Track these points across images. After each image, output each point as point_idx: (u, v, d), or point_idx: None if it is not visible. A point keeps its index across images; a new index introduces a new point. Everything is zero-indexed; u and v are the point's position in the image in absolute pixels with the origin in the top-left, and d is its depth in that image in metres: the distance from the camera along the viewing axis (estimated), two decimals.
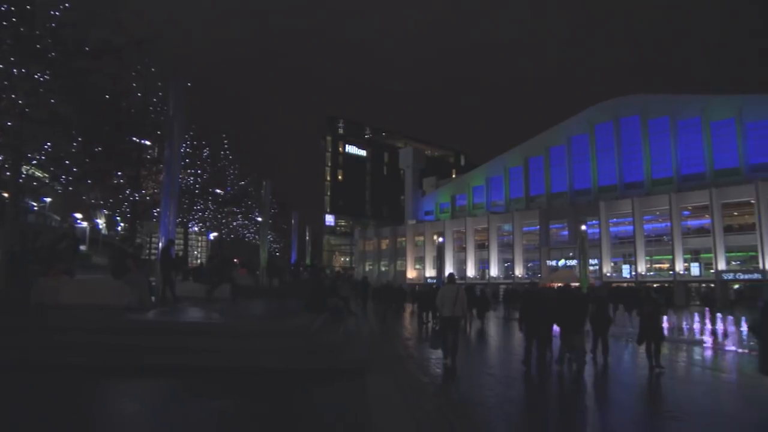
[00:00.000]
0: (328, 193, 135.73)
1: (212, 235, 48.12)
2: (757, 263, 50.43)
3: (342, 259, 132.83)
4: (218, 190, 40.30)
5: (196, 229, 46.53)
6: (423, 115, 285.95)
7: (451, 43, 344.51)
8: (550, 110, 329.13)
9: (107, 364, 8.76)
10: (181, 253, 25.18)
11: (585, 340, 13.47)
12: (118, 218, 36.77)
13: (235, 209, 43.72)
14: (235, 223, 45.83)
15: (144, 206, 30.24)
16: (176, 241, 18.26)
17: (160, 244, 14.84)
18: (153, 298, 13.55)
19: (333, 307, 15.62)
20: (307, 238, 51.81)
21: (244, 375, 8.90)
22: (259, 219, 39.04)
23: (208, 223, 42.60)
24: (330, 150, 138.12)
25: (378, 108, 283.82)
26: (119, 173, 25.07)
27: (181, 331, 10.64)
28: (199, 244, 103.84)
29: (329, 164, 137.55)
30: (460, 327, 12.39)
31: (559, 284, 32.86)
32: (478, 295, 28.17)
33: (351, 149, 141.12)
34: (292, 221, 40.08)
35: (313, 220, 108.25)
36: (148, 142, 27.96)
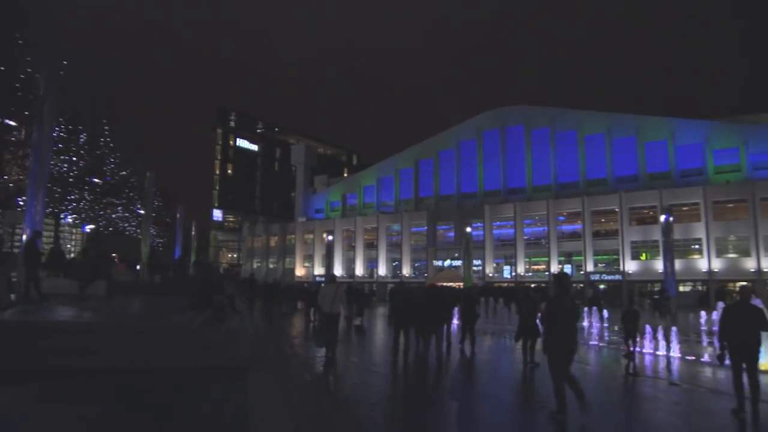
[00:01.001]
0: (217, 187, 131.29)
1: (88, 228, 44.98)
2: (619, 265, 55.22)
3: (229, 256, 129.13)
4: (96, 179, 37.78)
5: (69, 220, 43.26)
6: (317, 113, 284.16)
7: (349, 42, 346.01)
8: (441, 116, 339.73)
9: None
10: (53, 246, 23.18)
11: (450, 333, 15.27)
12: None
13: (114, 200, 41.20)
14: (114, 216, 43.10)
15: (6, 194, 27.67)
16: (45, 233, 16.78)
17: (25, 236, 13.58)
18: (12, 296, 12.35)
19: (217, 305, 15.10)
20: (193, 233, 49.90)
21: (117, 376, 8.34)
22: (141, 211, 37.10)
23: (83, 215, 39.75)
24: (220, 143, 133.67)
25: (271, 102, 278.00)
26: None
27: (46, 331, 9.75)
28: (73, 237, 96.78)
29: (219, 157, 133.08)
30: (338, 322, 13.22)
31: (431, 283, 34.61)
32: (364, 294, 28.85)
33: (242, 143, 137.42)
34: (177, 215, 38.46)
35: (199, 214, 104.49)
36: (12, 123, 25.55)
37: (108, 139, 38.82)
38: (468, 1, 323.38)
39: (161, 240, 55.80)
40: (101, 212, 40.62)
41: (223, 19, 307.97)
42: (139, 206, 41.21)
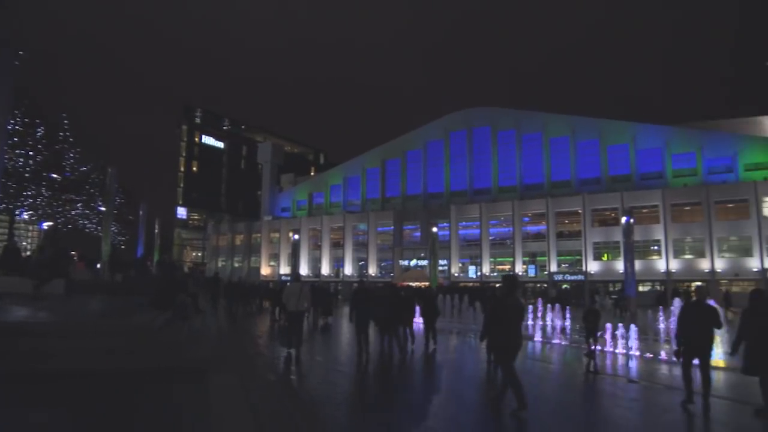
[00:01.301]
0: (182, 185, 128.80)
1: (45, 225, 43.74)
2: (582, 266, 56.31)
3: (193, 254, 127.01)
4: (54, 175, 36.74)
5: (25, 216, 41.98)
6: (284, 111, 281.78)
7: (319, 41, 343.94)
8: (409, 115, 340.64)
9: None
10: (7, 243, 22.36)
11: (413, 332, 15.80)
12: None
13: (74, 197, 40.10)
14: (73, 212, 41.94)
15: None
16: None
17: None
18: None
19: (179, 305, 14.87)
20: (156, 231, 49.02)
21: (76, 379, 8.13)
22: (102, 208, 36.26)
23: (40, 211, 38.59)
24: (185, 140, 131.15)
25: (238, 100, 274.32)
26: None
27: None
28: (30, 234, 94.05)
29: (184, 154, 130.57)
30: (303, 321, 13.62)
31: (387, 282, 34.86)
32: (329, 293, 29.16)
33: (208, 140, 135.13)
34: (140, 212, 37.69)
35: (163, 212, 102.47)
36: None
37: (68, 134, 37.79)
38: (439, 2, 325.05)
39: (123, 238, 54.56)
40: (59, 209, 39.49)
41: (188, 15, 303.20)
42: (100, 203, 40.22)
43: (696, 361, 8.76)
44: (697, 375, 8.76)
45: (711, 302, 9.58)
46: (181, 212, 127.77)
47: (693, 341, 8.74)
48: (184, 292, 16.24)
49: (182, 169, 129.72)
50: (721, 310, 11.30)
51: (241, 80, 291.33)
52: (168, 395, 7.86)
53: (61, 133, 37.27)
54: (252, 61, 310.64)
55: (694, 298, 9.55)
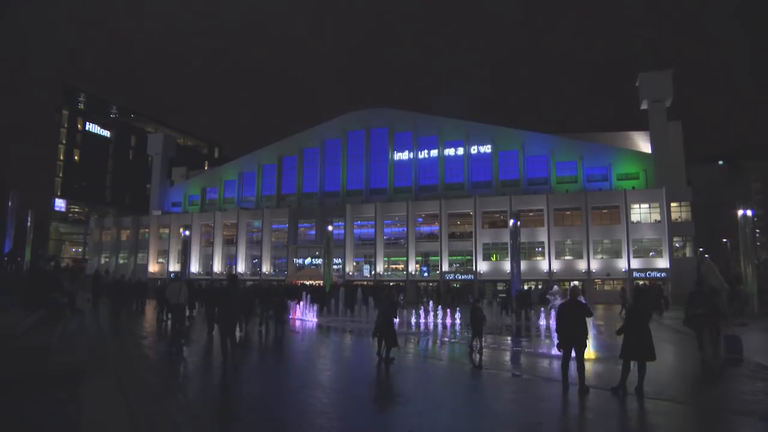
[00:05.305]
0: (61, 175, 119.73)
1: None
2: (472, 266, 58.55)
3: (73, 250, 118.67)
4: None
5: None
6: (178, 100, 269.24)
7: (221, 15, 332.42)
8: (308, 113, 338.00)
9: None
10: None
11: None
12: None
13: None
14: None
15: None
16: None
17: None
18: None
19: (52, 304, 13.89)
20: (29, 223, 45.32)
21: None
22: None
23: None
24: (66, 126, 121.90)
25: (128, 85, 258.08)
26: None
27: None
28: None
29: (64, 141, 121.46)
30: (184, 313, 15.70)
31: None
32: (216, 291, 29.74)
33: (92, 128, 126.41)
34: (9, 203, 34.75)
35: (38, 203, 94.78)
36: None
37: None
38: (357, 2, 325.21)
39: None
40: None
41: None
42: None
43: (573, 353, 9.88)
44: (572, 366, 9.85)
45: (581, 299, 10.41)
46: (60, 204, 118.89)
47: (570, 334, 9.91)
48: (58, 291, 15.24)
49: (62, 157, 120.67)
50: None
51: (132, 57, 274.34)
52: (37, 402, 7.27)
53: None
54: (148, 34, 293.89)
55: (568, 297, 10.54)
